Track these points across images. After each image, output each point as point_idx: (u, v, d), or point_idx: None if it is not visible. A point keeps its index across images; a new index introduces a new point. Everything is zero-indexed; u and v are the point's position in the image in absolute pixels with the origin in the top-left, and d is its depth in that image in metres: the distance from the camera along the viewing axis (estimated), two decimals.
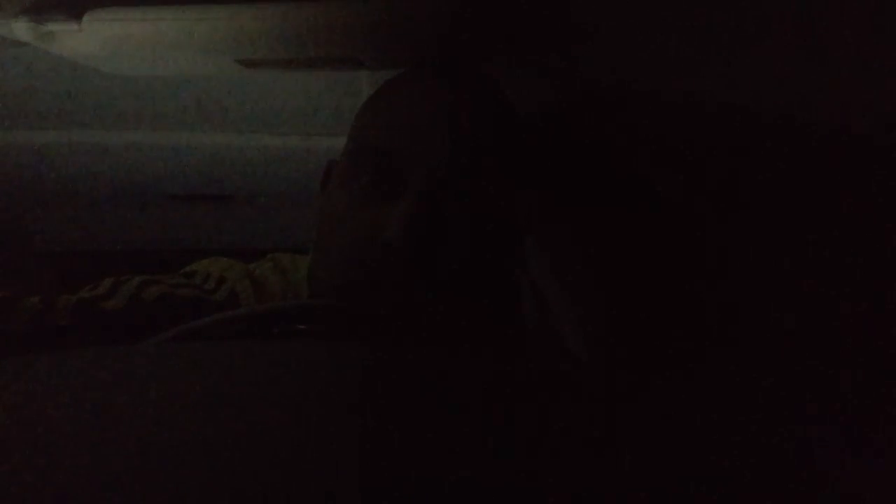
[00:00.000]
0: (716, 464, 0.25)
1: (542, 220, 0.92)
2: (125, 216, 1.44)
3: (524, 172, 0.86)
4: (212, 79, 0.84)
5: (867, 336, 0.59)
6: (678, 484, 0.22)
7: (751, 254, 0.73)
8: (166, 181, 1.24)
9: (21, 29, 0.57)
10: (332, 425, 0.23)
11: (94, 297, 0.55)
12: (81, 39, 0.59)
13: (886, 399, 0.54)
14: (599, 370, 0.85)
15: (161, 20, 0.56)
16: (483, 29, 0.61)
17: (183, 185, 1.28)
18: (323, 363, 0.30)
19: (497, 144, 0.69)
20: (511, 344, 0.69)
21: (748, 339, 0.73)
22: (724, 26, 0.45)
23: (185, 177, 1.22)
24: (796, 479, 0.25)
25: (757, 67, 0.45)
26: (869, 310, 0.60)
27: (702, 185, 0.78)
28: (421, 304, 0.67)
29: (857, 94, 0.40)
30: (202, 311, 0.45)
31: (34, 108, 0.90)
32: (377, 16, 0.57)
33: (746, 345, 0.73)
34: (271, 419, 0.23)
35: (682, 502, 0.21)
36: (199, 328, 0.41)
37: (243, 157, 1.12)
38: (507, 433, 0.24)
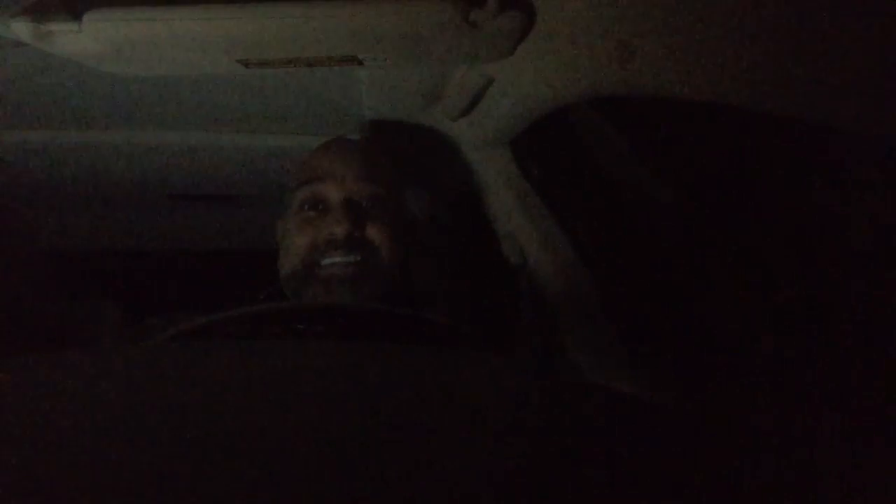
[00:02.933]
0: (713, 466, 0.25)
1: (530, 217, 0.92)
2: (125, 216, 1.44)
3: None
4: (212, 79, 0.84)
5: (868, 335, 0.60)
6: (676, 487, 0.22)
7: (750, 253, 0.73)
8: (166, 181, 1.24)
9: (21, 29, 0.57)
10: (333, 425, 0.23)
11: None
12: (81, 39, 0.59)
13: (887, 400, 0.54)
14: (597, 368, 0.85)
15: (161, 20, 0.57)
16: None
17: (183, 185, 1.28)
18: (323, 363, 0.30)
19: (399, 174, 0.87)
20: (507, 344, 0.69)
21: (748, 340, 0.73)
22: (724, 26, 0.45)
23: (185, 177, 1.22)
24: (800, 480, 0.25)
25: (758, 67, 0.45)
26: (870, 308, 0.60)
27: (700, 185, 0.78)
28: (421, 305, 0.68)
29: (857, 94, 0.40)
30: None
31: (34, 108, 0.90)
32: (377, 16, 0.57)
33: (746, 346, 0.73)
34: (271, 418, 0.23)
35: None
36: (199, 328, 0.41)
37: (243, 157, 1.12)
38: (505, 434, 0.24)
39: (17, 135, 0.99)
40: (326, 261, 0.74)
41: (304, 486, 0.19)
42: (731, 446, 0.27)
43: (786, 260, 0.69)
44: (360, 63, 0.67)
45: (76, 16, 0.57)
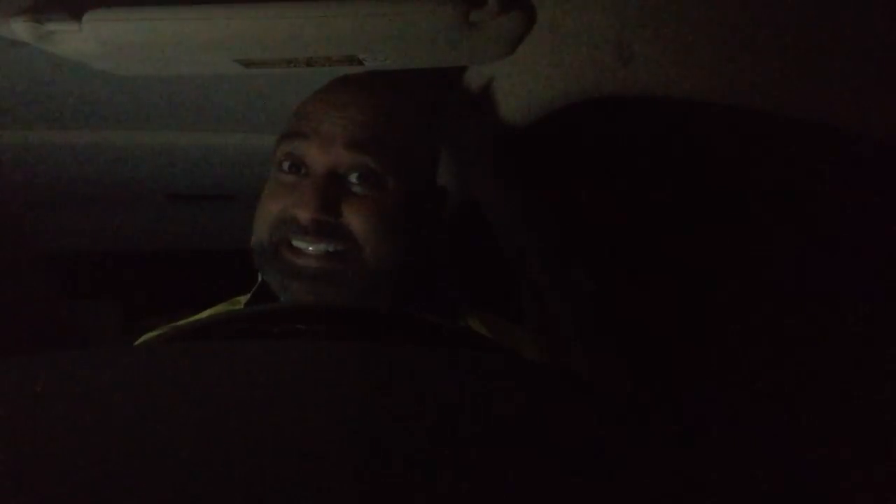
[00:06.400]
0: (708, 469, 0.25)
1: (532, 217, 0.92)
2: (125, 216, 1.44)
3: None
4: (212, 79, 0.84)
5: (869, 336, 0.59)
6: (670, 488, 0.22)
7: (750, 253, 0.73)
8: (166, 181, 1.24)
9: (21, 29, 0.57)
10: (333, 425, 0.23)
11: None
12: (81, 39, 0.59)
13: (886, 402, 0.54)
14: (597, 370, 0.85)
15: (161, 20, 0.57)
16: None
17: (183, 185, 1.28)
18: (323, 363, 0.30)
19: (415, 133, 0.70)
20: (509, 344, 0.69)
21: (747, 340, 0.73)
22: (723, 26, 0.45)
23: (185, 177, 1.22)
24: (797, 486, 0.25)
25: (757, 67, 0.45)
26: (870, 309, 0.60)
27: (700, 186, 0.78)
28: (421, 303, 0.68)
29: (857, 94, 0.40)
30: None
31: (34, 108, 0.90)
32: (376, 16, 0.57)
33: (745, 347, 0.73)
34: (271, 419, 0.23)
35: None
36: (199, 328, 0.41)
37: (243, 157, 1.12)
38: (505, 435, 0.24)
39: (17, 135, 0.99)
40: (296, 243, 0.62)
41: (304, 488, 0.19)
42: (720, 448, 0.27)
43: (785, 258, 0.69)
44: (361, 63, 0.67)
45: (76, 16, 0.57)
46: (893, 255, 0.56)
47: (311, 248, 0.62)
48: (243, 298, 0.71)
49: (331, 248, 0.61)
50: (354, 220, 0.61)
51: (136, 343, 0.58)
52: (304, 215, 0.60)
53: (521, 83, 0.74)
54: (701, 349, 0.79)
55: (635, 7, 0.52)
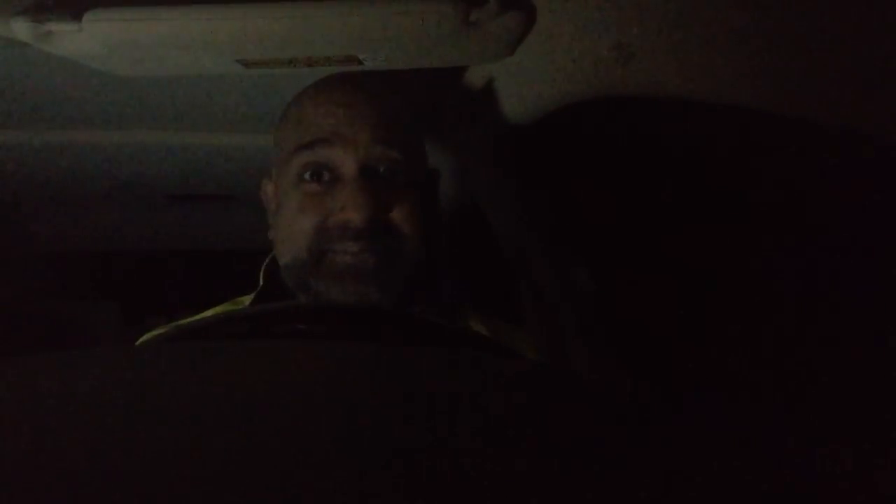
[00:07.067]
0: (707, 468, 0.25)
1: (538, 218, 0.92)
2: (125, 216, 1.44)
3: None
4: (212, 79, 0.84)
5: (868, 337, 0.59)
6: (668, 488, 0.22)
7: (750, 253, 0.73)
8: (166, 181, 1.24)
9: (21, 29, 0.57)
10: (333, 425, 0.23)
11: None
12: (81, 39, 0.59)
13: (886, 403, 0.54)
14: (597, 370, 0.85)
15: (161, 20, 0.57)
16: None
17: (183, 185, 1.28)
18: (323, 363, 0.30)
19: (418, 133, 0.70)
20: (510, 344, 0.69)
21: (747, 339, 0.73)
22: (723, 26, 0.45)
23: (185, 177, 1.22)
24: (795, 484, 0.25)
25: (756, 67, 0.45)
26: (870, 310, 0.60)
27: (700, 186, 0.78)
28: (421, 303, 0.68)
29: (857, 93, 0.40)
30: None
31: (34, 108, 0.90)
32: (377, 16, 0.57)
33: (744, 346, 0.73)
34: (271, 419, 0.23)
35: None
36: (199, 328, 0.41)
37: (243, 157, 1.12)
38: (504, 435, 0.24)
39: (17, 135, 0.99)
40: (339, 247, 0.61)
41: (303, 488, 0.19)
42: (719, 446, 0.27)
43: (785, 258, 0.69)
44: (360, 63, 0.67)
45: (76, 16, 0.57)
46: (893, 255, 0.56)
47: (357, 250, 0.60)
48: (246, 299, 0.71)
49: (380, 245, 0.61)
50: (397, 213, 0.62)
51: (137, 343, 0.58)
52: (358, 217, 0.59)
53: (521, 83, 0.74)
54: (701, 349, 0.79)
55: (635, 7, 0.52)
